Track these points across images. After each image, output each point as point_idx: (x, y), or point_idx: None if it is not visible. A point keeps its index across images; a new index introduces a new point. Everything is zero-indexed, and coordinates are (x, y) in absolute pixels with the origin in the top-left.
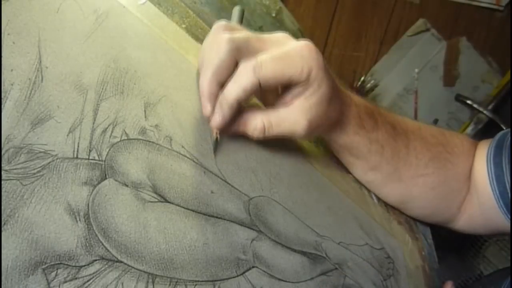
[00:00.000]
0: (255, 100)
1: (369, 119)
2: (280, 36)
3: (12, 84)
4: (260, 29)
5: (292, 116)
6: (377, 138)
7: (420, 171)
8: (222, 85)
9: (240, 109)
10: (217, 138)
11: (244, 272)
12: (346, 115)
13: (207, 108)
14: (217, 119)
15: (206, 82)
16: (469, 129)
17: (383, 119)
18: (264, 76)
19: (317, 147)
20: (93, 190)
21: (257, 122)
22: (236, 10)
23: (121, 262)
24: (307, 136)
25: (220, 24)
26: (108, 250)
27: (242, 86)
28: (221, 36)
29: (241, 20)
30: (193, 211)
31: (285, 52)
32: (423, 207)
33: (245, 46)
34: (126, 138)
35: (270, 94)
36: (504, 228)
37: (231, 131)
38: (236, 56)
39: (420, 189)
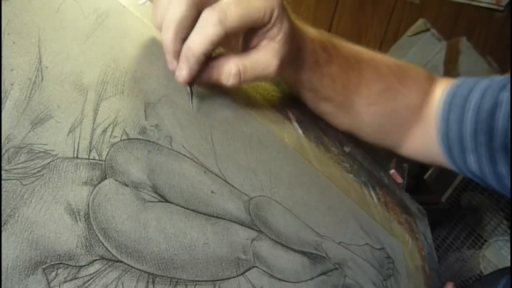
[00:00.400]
0: (220, 50)
1: (323, 53)
2: None
3: (12, 84)
4: None
5: (264, 57)
6: (330, 72)
7: (371, 100)
8: (185, 39)
9: (211, 57)
10: (191, 89)
11: (244, 272)
12: (303, 51)
13: (174, 65)
14: (184, 74)
15: (170, 39)
16: None
17: (337, 52)
18: (231, 25)
19: (317, 146)
20: (93, 190)
21: (231, 67)
22: None
23: (121, 262)
24: (277, 76)
25: None
26: (108, 250)
27: (209, 39)
28: None
29: None
30: (193, 211)
31: None
32: (373, 133)
33: None
34: (126, 138)
35: (233, 38)
36: (442, 164)
37: (203, 79)
38: (198, 8)
39: (371, 117)
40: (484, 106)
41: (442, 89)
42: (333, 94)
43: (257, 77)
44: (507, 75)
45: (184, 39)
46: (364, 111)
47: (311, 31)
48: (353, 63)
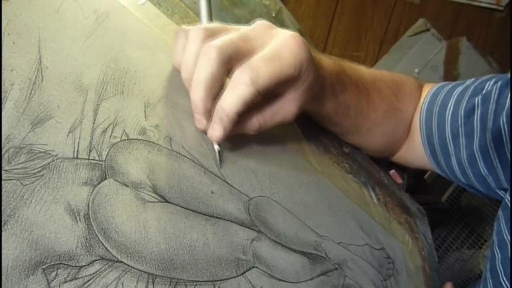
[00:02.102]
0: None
1: (338, 84)
2: (262, 27)
3: (12, 84)
4: None
5: (285, 107)
6: (345, 100)
7: (376, 122)
8: (215, 98)
9: None
10: (219, 150)
11: (244, 272)
12: (323, 89)
13: (203, 124)
14: (219, 134)
15: (200, 98)
16: None
17: (349, 79)
18: (262, 84)
19: (317, 147)
20: (93, 190)
21: (254, 124)
22: (203, 4)
23: (121, 262)
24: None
25: (198, 29)
26: (108, 250)
27: (242, 99)
28: (209, 46)
29: (210, 14)
30: (193, 211)
31: (276, 52)
32: (373, 148)
33: (235, 53)
34: (126, 138)
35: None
36: (430, 168)
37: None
38: (227, 66)
39: (373, 135)
40: (461, 111)
41: (423, 96)
42: (344, 120)
43: (276, 124)
44: (479, 79)
45: (214, 97)
46: (369, 132)
47: (327, 64)
48: (361, 88)
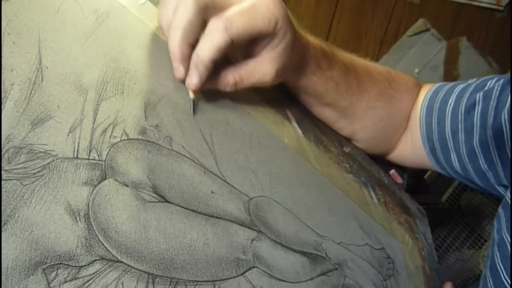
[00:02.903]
0: None
1: (324, 58)
2: None
3: (12, 84)
4: None
5: (261, 67)
6: (332, 76)
7: (370, 104)
8: (192, 46)
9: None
10: (194, 100)
11: (244, 272)
12: (306, 58)
13: (181, 71)
14: (195, 81)
15: (177, 45)
16: None
17: (336, 58)
18: (236, 33)
19: (317, 146)
20: (93, 190)
21: (229, 78)
22: None
23: (121, 262)
24: (273, 83)
25: None
26: (108, 250)
27: (216, 46)
28: None
29: None
30: (193, 211)
31: (252, 6)
32: (371, 138)
33: (212, 3)
34: (126, 138)
35: (239, 48)
36: (430, 167)
37: (203, 88)
38: (204, 15)
39: (370, 121)
40: (462, 107)
41: (423, 94)
42: (337, 99)
43: (253, 84)
44: (482, 78)
45: (191, 44)
46: (364, 115)
47: (311, 38)
48: (350, 69)
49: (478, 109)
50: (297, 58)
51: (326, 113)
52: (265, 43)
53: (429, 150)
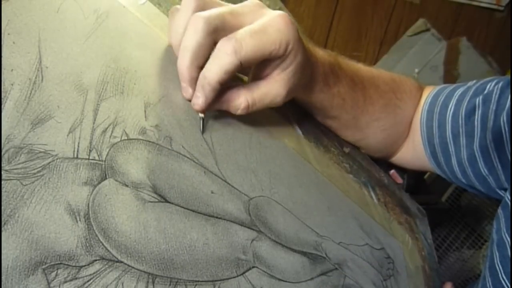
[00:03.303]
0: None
1: (332, 75)
2: (252, 5)
3: (12, 84)
4: None
5: (273, 89)
6: (339, 92)
7: (374, 116)
8: (201, 67)
9: (223, 89)
10: (203, 118)
11: (244, 272)
12: (314, 76)
13: (189, 92)
14: (200, 102)
15: (186, 66)
16: None
17: (343, 72)
18: (245, 56)
19: (317, 147)
20: (93, 190)
21: (241, 101)
22: None
23: (121, 262)
24: (283, 102)
25: (190, 1)
26: (108, 250)
27: (224, 68)
28: (196, 16)
29: None
30: (193, 211)
31: (262, 27)
32: (373, 146)
33: (222, 25)
34: (126, 138)
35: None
36: (431, 169)
37: (214, 108)
38: (214, 36)
39: (373, 131)
40: (462, 111)
41: (424, 98)
42: (342, 113)
43: (265, 106)
44: (481, 81)
45: (200, 67)
46: (368, 127)
47: (320, 54)
48: (357, 82)
49: (478, 113)
50: (307, 77)
51: (328, 123)
52: (276, 64)
53: (430, 154)
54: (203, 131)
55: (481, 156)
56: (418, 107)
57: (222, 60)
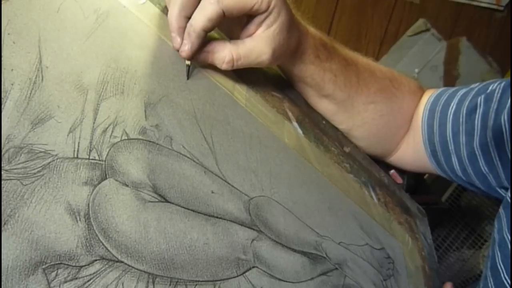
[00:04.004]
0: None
1: (324, 49)
2: None
3: (12, 84)
4: None
5: (258, 45)
6: (331, 68)
7: (370, 98)
8: (189, 18)
9: (209, 40)
10: (189, 65)
11: (244, 272)
12: (303, 44)
13: (177, 41)
14: (186, 48)
15: (174, 17)
16: None
17: (336, 51)
18: (227, 5)
19: (317, 146)
20: (93, 190)
21: (226, 54)
22: None
23: (122, 262)
24: (270, 64)
25: None
26: (108, 250)
27: (208, 16)
28: None
29: None
30: (193, 211)
31: None
32: (370, 134)
33: None
34: (126, 138)
35: (235, 26)
36: (431, 170)
37: (200, 60)
38: None
39: (370, 115)
40: (463, 110)
41: (426, 98)
42: (335, 91)
43: (250, 64)
44: (484, 83)
45: (187, 17)
46: (364, 109)
47: (312, 29)
48: (350, 63)
49: (479, 111)
50: (294, 42)
51: (324, 105)
52: (260, 21)
53: (430, 153)
54: (188, 78)
55: (481, 154)
56: (419, 107)
57: (206, 8)
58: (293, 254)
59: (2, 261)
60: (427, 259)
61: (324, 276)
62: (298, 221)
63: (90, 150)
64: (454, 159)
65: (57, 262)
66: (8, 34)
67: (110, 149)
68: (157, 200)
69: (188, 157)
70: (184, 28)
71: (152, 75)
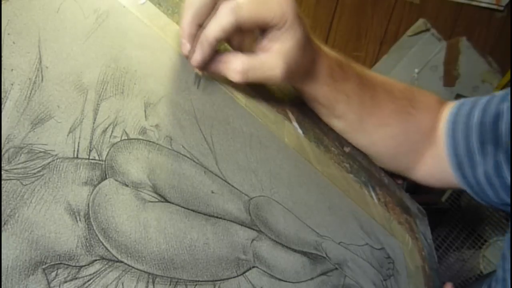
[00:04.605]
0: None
1: (339, 70)
2: None
3: (12, 84)
4: None
5: (271, 60)
6: (345, 89)
7: (382, 120)
8: (201, 26)
9: (222, 51)
10: (198, 75)
11: (244, 272)
12: (318, 64)
13: (187, 47)
14: (197, 57)
15: (187, 23)
16: None
17: (352, 70)
18: (242, 16)
19: (317, 146)
20: (93, 190)
21: (238, 64)
22: None
23: (121, 262)
24: (283, 81)
25: None
26: (108, 250)
27: (222, 26)
28: None
29: None
30: (193, 211)
31: None
32: (381, 154)
33: None
34: (126, 138)
35: (248, 39)
36: (457, 186)
37: (211, 70)
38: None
39: (380, 137)
40: (487, 118)
41: (447, 111)
42: (347, 112)
43: (262, 78)
44: (507, 90)
45: (200, 25)
46: (374, 131)
47: (328, 50)
48: (366, 83)
49: (503, 119)
50: (308, 62)
51: (335, 124)
52: (276, 37)
53: (455, 165)
54: (198, 87)
55: (504, 164)
56: (440, 120)
57: (221, 18)
58: (293, 254)
59: (2, 261)
60: (427, 259)
61: (324, 276)
62: (298, 221)
63: (90, 150)
64: (480, 170)
65: (57, 262)
66: (8, 34)
67: (110, 149)
68: (157, 200)
69: (188, 157)
70: (195, 35)
71: (152, 75)
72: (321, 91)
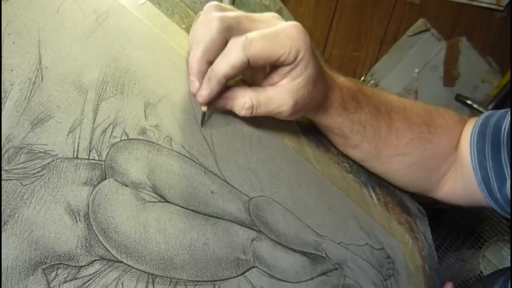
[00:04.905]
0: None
1: (352, 101)
2: (269, 16)
3: (12, 84)
4: None
5: (280, 96)
6: (360, 119)
7: (398, 150)
8: (211, 63)
9: (229, 86)
10: (204, 112)
11: (244, 272)
12: (330, 98)
13: (195, 85)
14: (204, 94)
15: (196, 60)
16: None
17: (367, 100)
18: (253, 54)
19: (317, 147)
20: (93, 190)
21: (246, 100)
22: None
23: (121, 262)
24: (291, 116)
25: (212, 4)
26: (108, 250)
27: (231, 63)
28: (212, 15)
29: (233, 2)
30: (193, 211)
31: (274, 31)
32: (398, 181)
33: (236, 25)
34: (126, 138)
35: (258, 73)
36: (483, 203)
37: (218, 106)
38: (226, 35)
39: (395, 166)
40: None
41: (471, 126)
42: (363, 142)
43: (270, 113)
44: None
45: (209, 62)
46: (390, 161)
47: (340, 79)
48: (383, 112)
49: None
50: (319, 96)
51: (350, 153)
52: (286, 72)
53: (481, 179)
54: (202, 125)
55: None
56: (463, 137)
57: (231, 55)
58: (293, 254)
59: (2, 261)
60: (427, 259)
61: (324, 276)
62: (298, 221)
63: (90, 150)
64: (508, 185)
65: (56, 262)
66: (8, 34)
67: (109, 149)
68: (156, 200)
69: (187, 157)
70: (205, 72)
71: (152, 75)
72: (334, 123)
